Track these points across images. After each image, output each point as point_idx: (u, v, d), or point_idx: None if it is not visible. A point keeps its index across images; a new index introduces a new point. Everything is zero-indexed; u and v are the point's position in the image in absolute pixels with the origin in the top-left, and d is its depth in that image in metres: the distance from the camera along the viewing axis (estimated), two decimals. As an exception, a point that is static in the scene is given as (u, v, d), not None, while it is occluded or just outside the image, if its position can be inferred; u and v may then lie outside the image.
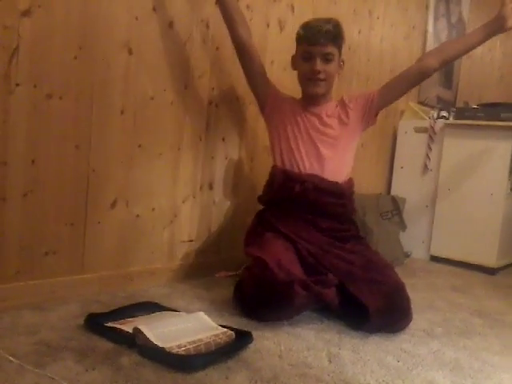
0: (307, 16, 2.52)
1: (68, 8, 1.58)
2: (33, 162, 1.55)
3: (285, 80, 2.40)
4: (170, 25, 1.90)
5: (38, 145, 1.56)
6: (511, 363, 1.52)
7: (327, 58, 1.88)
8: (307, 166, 1.94)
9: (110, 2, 1.69)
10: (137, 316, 1.51)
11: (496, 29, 1.93)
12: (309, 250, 1.79)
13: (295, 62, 1.99)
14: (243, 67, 2.02)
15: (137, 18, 1.78)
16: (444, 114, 3.20)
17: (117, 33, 1.72)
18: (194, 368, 1.23)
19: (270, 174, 2.04)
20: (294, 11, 2.45)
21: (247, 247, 1.85)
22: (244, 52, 1.97)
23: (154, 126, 1.89)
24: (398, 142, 3.35)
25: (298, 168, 1.94)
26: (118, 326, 1.40)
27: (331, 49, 1.88)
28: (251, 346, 1.42)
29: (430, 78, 2.94)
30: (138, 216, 1.88)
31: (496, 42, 4.71)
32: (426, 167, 3.18)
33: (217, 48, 2.10)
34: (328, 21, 1.89)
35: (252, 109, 2.31)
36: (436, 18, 3.73)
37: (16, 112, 1.49)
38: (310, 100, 1.99)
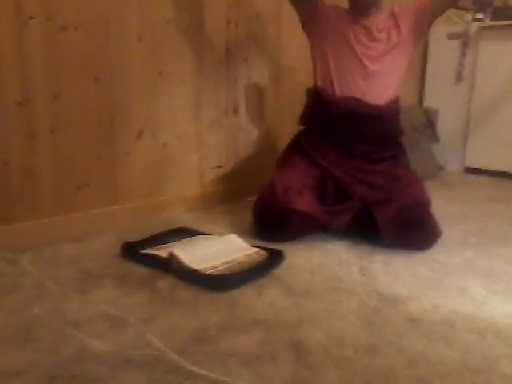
0: None
1: None
2: (55, 97, 1.55)
3: None
4: None
5: (58, 80, 1.55)
6: (547, 268, 1.51)
7: None
8: (350, 84, 1.81)
9: None
10: (171, 242, 1.55)
11: None
12: (336, 176, 1.75)
13: None
14: None
15: None
16: (480, 16, 2.99)
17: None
18: (229, 287, 1.27)
19: (307, 93, 1.94)
20: None
21: (275, 167, 1.85)
22: None
23: (173, 52, 1.85)
24: (429, 50, 3.18)
25: (339, 89, 1.82)
26: (153, 252, 1.45)
27: None
28: (284, 263, 1.45)
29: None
30: (165, 145, 1.88)
31: None
32: (460, 76, 3.03)
33: (231, -38, 2.00)
34: None
35: (273, 27, 2.22)
36: None
37: (31, 47, 1.48)
38: (359, 11, 1.80)
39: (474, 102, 3.00)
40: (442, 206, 1.69)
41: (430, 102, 3.18)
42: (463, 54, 3.00)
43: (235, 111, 2.14)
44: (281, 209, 1.62)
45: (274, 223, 1.64)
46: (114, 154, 1.73)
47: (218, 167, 2.12)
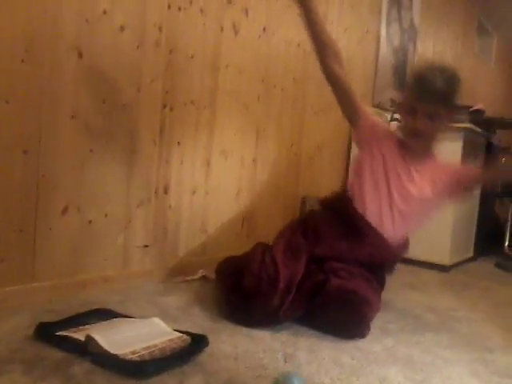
0: (261, 20, 2.53)
1: (14, 10, 1.54)
2: (-22, 168, 1.50)
3: (241, 84, 2.42)
4: (122, 28, 1.87)
5: (-16, 150, 1.51)
6: (460, 356, 1.57)
7: (433, 118, 1.76)
8: (373, 211, 1.87)
9: (58, 4, 1.65)
10: (90, 323, 1.47)
11: None
12: (325, 261, 1.80)
13: (400, 108, 1.85)
14: (334, 94, 1.90)
15: (87, 21, 1.75)
16: (397, 116, 3.27)
17: (66, 35, 1.69)
18: (148, 374, 1.21)
19: (344, 197, 1.97)
20: (248, 15, 2.46)
21: (278, 239, 1.86)
22: (335, 84, 1.86)
23: (106, 130, 1.86)
24: (353, 145, 3.40)
25: (366, 212, 1.87)
26: (70, 335, 1.37)
27: (439, 110, 1.75)
28: (207, 349, 1.41)
29: (384, 81, 2.97)
30: (90, 222, 1.84)
31: (446, 45, 4.87)
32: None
33: (170, 51, 2.08)
34: (443, 71, 1.75)
35: (207, 112, 2.30)
36: (388, 23, 3.82)
37: (-41, 116, 1.44)
38: (408, 149, 1.88)
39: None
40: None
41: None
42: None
43: (165, 191, 2.15)
44: (275, 313, 1.62)
45: (258, 314, 1.64)
46: (36, 228, 1.67)
47: (145, 246, 2.08)
